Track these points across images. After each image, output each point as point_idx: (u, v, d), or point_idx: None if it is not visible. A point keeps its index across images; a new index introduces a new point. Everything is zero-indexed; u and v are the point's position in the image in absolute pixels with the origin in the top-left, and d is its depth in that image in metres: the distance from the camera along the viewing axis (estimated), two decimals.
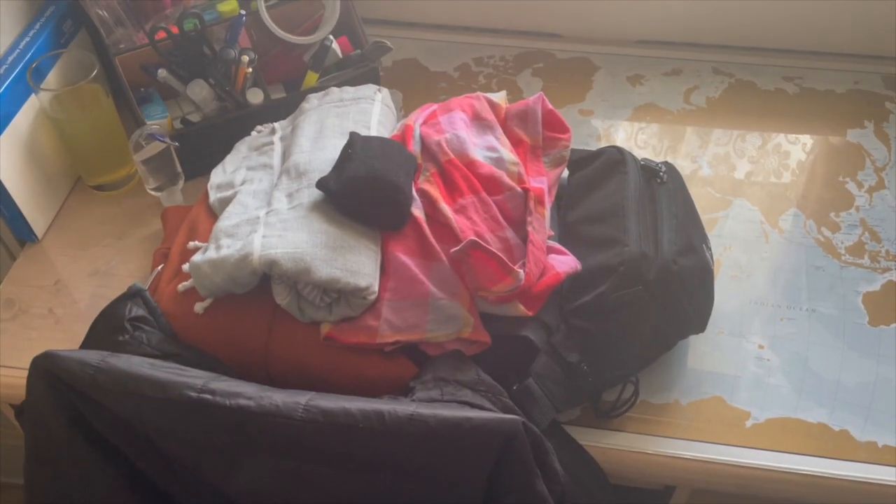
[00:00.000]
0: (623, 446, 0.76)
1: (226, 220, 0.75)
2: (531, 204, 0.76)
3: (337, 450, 0.59)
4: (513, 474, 0.59)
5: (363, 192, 0.73)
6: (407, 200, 0.75)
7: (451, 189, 0.77)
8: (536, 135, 0.87)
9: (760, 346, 0.84)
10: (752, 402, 0.79)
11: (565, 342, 0.74)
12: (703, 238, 0.82)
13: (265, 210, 0.75)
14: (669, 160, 0.96)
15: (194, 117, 0.97)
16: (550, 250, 0.78)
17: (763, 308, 0.87)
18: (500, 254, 0.70)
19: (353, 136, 0.77)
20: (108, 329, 0.71)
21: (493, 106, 0.88)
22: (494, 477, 0.60)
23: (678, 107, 1.10)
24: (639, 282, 0.74)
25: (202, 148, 0.94)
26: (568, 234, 0.83)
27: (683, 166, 1.01)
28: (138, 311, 0.72)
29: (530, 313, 0.73)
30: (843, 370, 0.82)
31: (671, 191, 0.83)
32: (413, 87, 1.14)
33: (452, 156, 0.79)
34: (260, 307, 0.73)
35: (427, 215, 0.76)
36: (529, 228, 0.75)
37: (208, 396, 0.60)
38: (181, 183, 0.95)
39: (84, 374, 0.61)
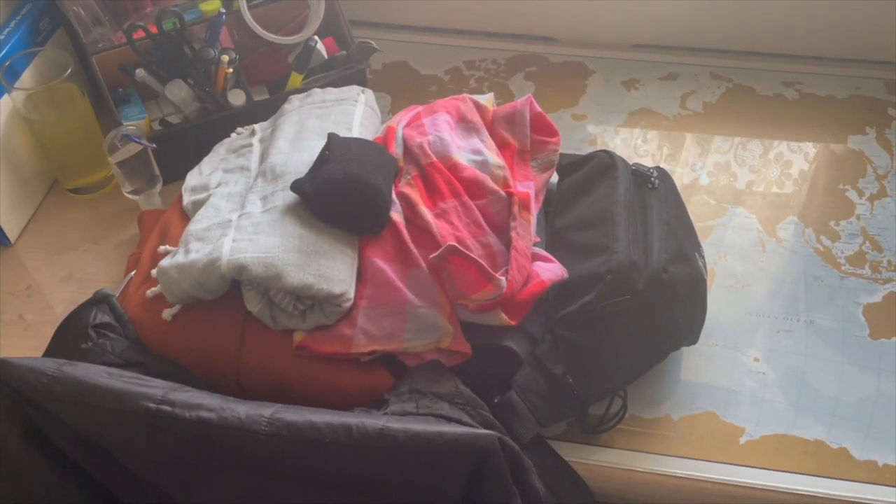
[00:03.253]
0: (610, 463, 0.73)
1: (197, 224, 0.72)
2: (515, 209, 0.73)
3: (303, 465, 0.56)
4: (488, 493, 0.56)
5: (339, 194, 0.70)
6: (385, 204, 0.72)
7: (433, 193, 0.74)
8: (524, 138, 0.84)
9: (756, 360, 0.80)
10: (746, 418, 0.76)
11: (550, 353, 0.71)
12: (696, 246, 0.78)
13: (238, 213, 0.72)
14: (664, 166, 0.93)
15: (173, 119, 0.94)
16: (536, 257, 0.74)
17: (759, 319, 0.83)
18: (480, 260, 0.67)
19: (332, 138, 0.74)
20: (71, 336, 0.68)
21: (479, 108, 0.85)
22: (469, 495, 0.56)
23: (674, 112, 1.07)
24: (627, 290, 0.71)
25: (181, 150, 0.91)
26: (556, 241, 0.80)
27: (679, 173, 0.98)
28: (103, 317, 0.69)
29: (513, 323, 0.70)
30: (843, 385, 0.78)
31: (662, 197, 0.80)
32: (402, 90, 1.11)
33: (434, 158, 0.76)
34: (231, 314, 0.70)
35: (407, 219, 0.73)
36: (513, 234, 0.72)
37: (167, 408, 0.56)
38: (159, 186, 0.92)
39: (38, 383, 0.57)
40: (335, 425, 0.55)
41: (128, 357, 0.67)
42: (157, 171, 0.91)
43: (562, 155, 0.87)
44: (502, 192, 0.74)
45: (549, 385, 0.70)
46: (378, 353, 0.69)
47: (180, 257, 0.68)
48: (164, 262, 0.69)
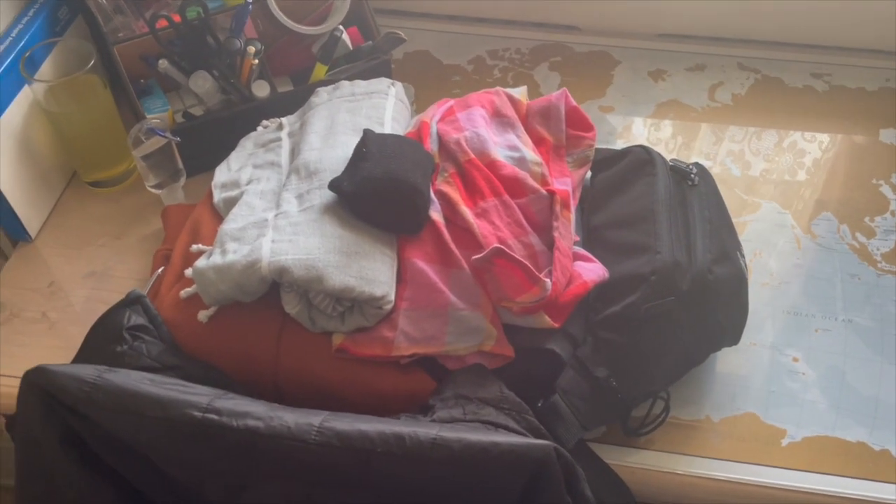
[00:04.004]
0: (652, 466, 0.72)
1: (232, 223, 0.70)
2: (557, 207, 0.72)
3: (353, 475, 0.55)
4: (543, 503, 0.55)
5: (379, 193, 0.68)
6: (425, 203, 0.70)
7: (472, 191, 0.72)
8: (560, 133, 0.82)
9: (795, 360, 0.79)
10: (787, 420, 0.75)
11: (593, 356, 0.70)
12: (737, 244, 0.77)
13: (274, 212, 0.70)
14: (696, 160, 0.91)
15: (197, 111, 0.92)
16: (577, 257, 0.73)
17: (796, 318, 0.82)
18: (525, 262, 0.65)
19: (367, 134, 0.73)
20: (105, 339, 0.67)
21: (513, 102, 0.83)
22: None
23: (703, 104, 1.06)
24: (671, 292, 0.69)
25: (205, 143, 0.89)
26: (593, 240, 0.79)
27: (711, 167, 0.96)
28: (138, 319, 0.68)
29: (556, 325, 0.68)
30: (883, 385, 0.77)
31: (703, 194, 0.78)
32: (425, 80, 1.09)
33: (472, 155, 0.74)
34: (268, 316, 0.68)
35: (446, 219, 0.71)
36: (556, 234, 0.70)
37: (214, 416, 0.55)
38: (183, 180, 0.90)
39: (80, 391, 0.56)
40: (387, 434, 0.54)
41: (164, 360, 0.66)
42: (181, 165, 0.89)
43: (596, 150, 0.86)
44: (543, 191, 0.73)
45: (592, 388, 0.68)
46: (419, 355, 0.67)
47: (217, 258, 0.66)
48: (200, 262, 0.67)
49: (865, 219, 0.92)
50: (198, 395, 0.56)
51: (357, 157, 0.71)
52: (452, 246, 0.68)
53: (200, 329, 0.68)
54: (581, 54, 1.13)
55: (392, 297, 0.67)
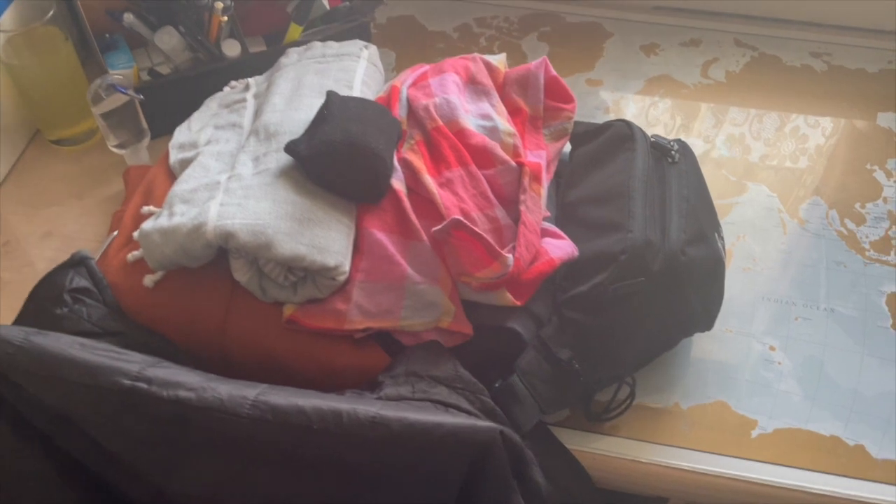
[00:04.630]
0: (614, 452, 0.69)
1: (183, 184, 0.67)
2: (526, 180, 0.68)
3: (289, 451, 0.52)
4: (487, 488, 0.52)
5: (337, 158, 0.65)
6: (386, 170, 0.67)
7: (437, 160, 0.69)
8: (537, 103, 0.78)
9: (772, 348, 0.76)
10: (759, 410, 0.72)
11: (557, 336, 0.67)
12: (716, 226, 0.74)
13: (227, 174, 0.67)
14: (682, 138, 0.88)
15: (163, 69, 0.88)
16: (545, 233, 0.70)
17: (776, 305, 0.79)
18: (486, 236, 0.62)
19: (331, 96, 0.69)
20: (45, 301, 0.64)
21: (490, 69, 0.80)
22: (466, 490, 0.52)
23: (695, 81, 1.02)
24: (642, 272, 0.66)
25: (171, 103, 0.86)
26: (566, 216, 0.75)
27: (697, 146, 0.93)
28: (81, 281, 0.65)
29: (519, 303, 0.65)
30: (862, 378, 0.74)
31: (683, 172, 0.75)
32: (408, 46, 1.05)
33: (440, 122, 0.70)
34: (217, 283, 0.65)
35: (409, 188, 0.68)
36: (522, 208, 0.67)
37: (143, 385, 0.52)
38: (146, 140, 0.86)
39: (3, 354, 0.53)
40: (324, 411, 0.51)
41: (106, 325, 0.63)
42: (145, 125, 0.85)
43: (576, 123, 0.82)
44: (512, 162, 0.69)
45: (553, 370, 0.65)
46: (373, 330, 0.64)
47: (164, 220, 0.63)
48: (147, 224, 0.64)
49: (856, 205, 0.88)
50: (129, 363, 0.54)
51: (318, 120, 0.67)
52: (413, 216, 0.65)
53: (146, 294, 0.65)
54: (572, 25, 1.09)
55: (346, 267, 0.64)
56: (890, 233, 0.85)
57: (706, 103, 0.98)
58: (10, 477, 0.56)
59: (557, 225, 0.74)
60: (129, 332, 0.63)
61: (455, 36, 1.07)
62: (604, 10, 1.10)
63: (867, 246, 0.84)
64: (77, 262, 0.66)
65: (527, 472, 0.54)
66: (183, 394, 0.52)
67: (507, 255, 0.63)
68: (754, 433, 0.70)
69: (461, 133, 0.70)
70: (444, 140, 0.69)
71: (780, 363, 0.75)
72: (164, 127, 0.87)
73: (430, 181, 0.66)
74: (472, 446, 0.50)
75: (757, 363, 0.75)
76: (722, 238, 0.74)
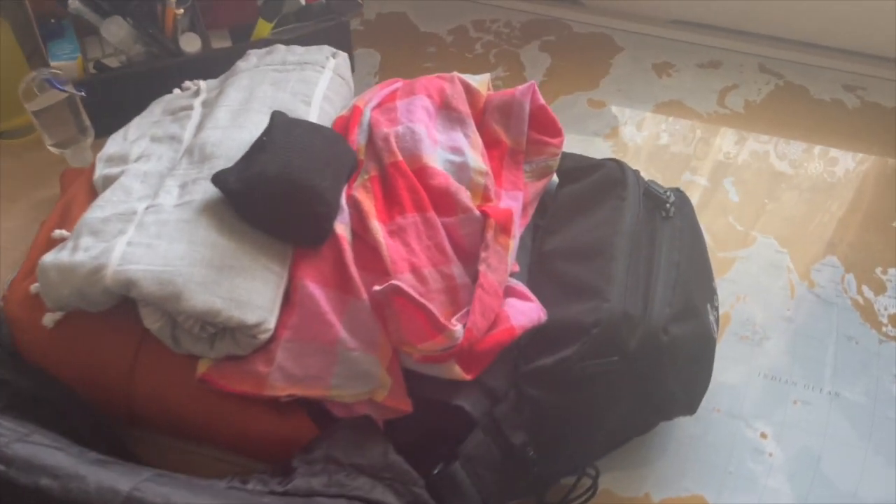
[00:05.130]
0: None
1: (97, 211, 0.58)
2: (490, 234, 0.59)
3: None
4: None
5: (271, 196, 0.56)
6: (328, 211, 0.58)
7: (391, 202, 0.60)
8: (520, 136, 0.69)
9: (763, 435, 0.67)
10: None
11: (512, 416, 0.58)
12: (710, 295, 0.64)
13: (147, 203, 0.58)
14: (688, 175, 0.78)
15: (112, 62, 0.79)
16: (511, 292, 0.61)
17: (774, 384, 0.70)
18: (430, 306, 0.53)
19: (274, 119, 0.60)
20: None
21: (469, 92, 0.70)
22: None
23: (709, 109, 0.91)
24: (616, 351, 0.57)
25: (119, 100, 0.77)
26: (541, 267, 0.66)
27: (700, 185, 0.83)
28: None
29: (468, 377, 0.56)
30: (864, 480, 0.65)
31: (677, 230, 0.65)
32: (396, 47, 0.95)
33: (400, 157, 0.61)
34: (126, 328, 0.57)
35: (354, 233, 0.59)
36: (482, 267, 0.58)
37: (2, 468, 0.44)
38: (90, 140, 0.78)
39: None
40: None
41: None
42: (88, 122, 0.77)
43: (565, 155, 0.72)
44: (476, 212, 0.60)
45: (504, 456, 0.57)
46: (297, 396, 0.56)
47: (65, 255, 0.55)
48: (47, 257, 0.55)
49: (877, 269, 0.78)
50: None
51: (255, 148, 0.58)
52: (353, 269, 0.56)
53: (46, 335, 0.57)
54: (579, 35, 0.99)
55: (270, 325, 0.55)
56: None
57: (719, 137, 0.88)
58: None
59: (530, 277, 0.65)
60: (17, 381, 0.55)
61: (449, 39, 0.97)
62: (615, 21, 1.00)
63: (885, 320, 0.74)
64: None
65: None
66: (45, 482, 0.44)
67: (454, 326, 0.54)
68: None
69: (422, 171, 0.61)
70: (401, 179, 0.60)
71: (770, 454, 0.66)
72: (112, 125, 0.78)
73: (377, 228, 0.57)
74: None
75: (744, 452, 0.66)
76: (716, 308, 0.65)
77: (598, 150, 0.86)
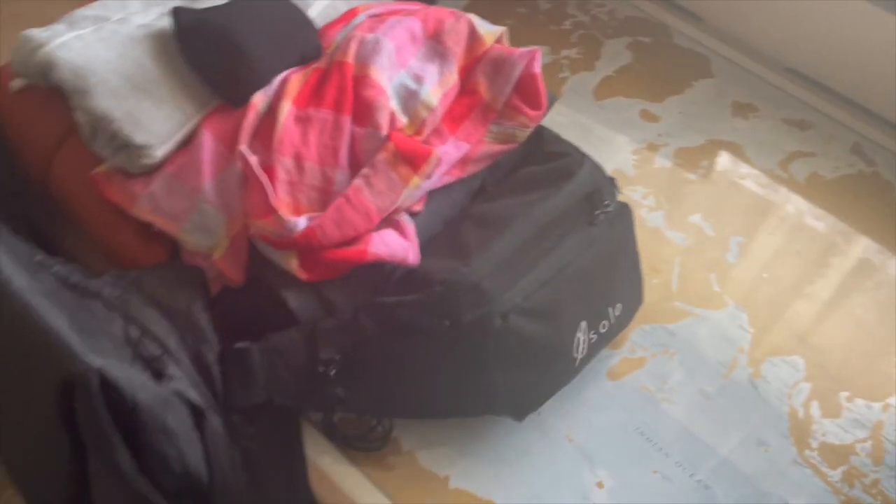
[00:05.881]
0: (342, 482, 0.60)
1: (87, 9, 0.65)
2: (382, 156, 0.58)
3: None
4: (83, 431, 0.47)
5: (205, 42, 0.59)
6: (251, 77, 0.60)
7: (317, 94, 0.61)
8: (499, 94, 0.66)
9: (599, 485, 0.61)
10: None
11: (333, 333, 0.58)
12: (591, 314, 0.59)
13: (120, 15, 0.64)
14: (696, 218, 0.72)
15: None
16: (392, 224, 0.60)
17: (644, 446, 0.63)
18: (267, 184, 0.54)
19: None
20: None
21: (473, 38, 0.68)
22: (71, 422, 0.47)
23: (766, 165, 0.82)
24: (449, 315, 0.55)
25: None
26: (453, 223, 0.64)
27: (705, 233, 0.75)
28: None
29: (304, 276, 0.57)
30: None
31: (592, 237, 0.60)
32: None
33: (350, 60, 0.62)
34: (63, 114, 0.63)
35: (270, 108, 0.61)
36: (358, 181, 0.57)
37: None
38: None
39: None
40: None
41: None
42: None
43: (549, 136, 0.69)
44: (382, 132, 0.59)
45: (306, 364, 0.57)
46: (157, 228, 0.60)
47: (37, 30, 0.62)
48: (32, 29, 0.63)
49: (843, 394, 0.67)
50: None
51: (225, 2, 0.62)
52: (245, 135, 0.58)
53: (9, 98, 0.65)
54: (676, 48, 0.92)
55: (156, 152, 0.59)
56: (861, 448, 0.64)
57: (754, 201, 0.79)
58: None
59: (445, 228, 0.64)
60: None
61: (544, 7, 0.95)
62: (723, 47, 0.92)
63: (814, 444, 0.64)
64: None
65: (144, 436, 0.48)
66: None
67: (286, 216, 0.54)
68: None
69: (362, 79, 0.61)
70: (336, 77, 0.61)
71: None
72: None
73: (285, 108, 0.59)
74: (57, 370, 0.45)
75: (570, 489, 0.60)
76: (593, 332, 0.60)
77: (619, 156, 0.81)
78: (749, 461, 0.63)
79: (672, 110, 0.86)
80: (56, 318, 0.46)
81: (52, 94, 0.64)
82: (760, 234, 0.77)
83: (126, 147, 0.60)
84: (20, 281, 0.46)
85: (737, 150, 0.83)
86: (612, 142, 0.82)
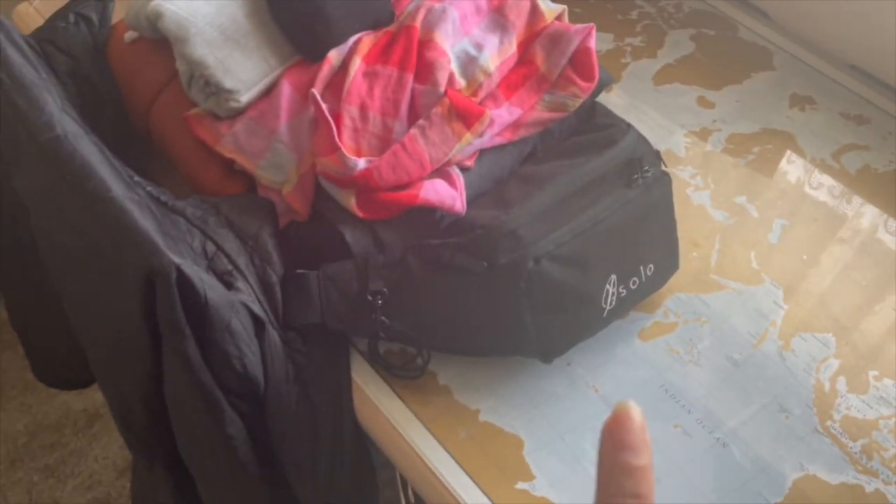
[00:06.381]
0: (385, 409, 0.65)
1: None
2: (437, 111, 0.64)
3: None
4: (161, 323, 0.54)
5: (293, 4, 0.67)
6: (328, 37, 0.67)
7: (385, 53, 0.67)
8: (555, 67, 0.71)
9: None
10: (541, 467, 0.63)
11: (383, 269, 0.64)
12: (620, 269, 0.63)
13: None
14: (741, 199, 0.75)
15: None
16: (443, 175, 0.66)
17: (668, 401, 0.66)
18: (331, 124, 0.60)
19: None
20: (58, 12, 0.76)
21: (535, 13, 0.73)
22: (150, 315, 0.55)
23: (819, 155, 0.84)
24: (486, 257, 0.60)
25: None
26: (503, 182, 0.69)
27: (749, 213, 0.78)
28: (88, 8, 0.75)
29: (360, 214, 0.63)
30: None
31: (631, 199, 0.65)
32: None
33: (417, 24, 0.68)
34: (167, 64, 0.72)
35: (343, 64, 0.68)
36: (414, 131, 0.63)
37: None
38: None
39: None
40: (97, 178, 0.56)
41: (76, 52, 0.73)
42: None
43: (602, 111, 0.74)
44: (440, 89, 0.65)
45: (358, 293, 0.63)
46: (238, 165, 0.67)
47: None
48: None
49: (872, 372, 0.69)
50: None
51: None
52: (318, 86, 0.65)
53: (123, 47, 0.74)
54: (740, 41, 0.95)
55: (242, 98, 0.66)
56: (882, 427, 0.66)
57: (807, 181, 0.81)
58: None
59: (494, 185, 0.69)
60: (96, 79, 0.72)
61: None
62: (787, 42, 0.94)
63: (837, 416, 0.66)
64: None
65: (211, 333, 0.55)
66: None
67: (348, 154, 0.61)
68: (520, 485, 0.62)
69: (427, 43, 0.67)
70: (403, 39, 0.67)
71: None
72: None
73: (355, 64, 0.66)
74: (142, 263, 0.52)
75: (592, 433, 0.65)
76: (625, 288, 0.64)
77: (672, 138, 0.84)
78: (769, 426, 0.65)
79: (729, 98, 0.89)
80: (146, 221, 0.54)
81: (157, 46, 0.73)
82: (805, 219, 0.79)
83: (216, 93, 0.68)
84: (118, 189, 0.55)
85: (790, 139, 0.85)
86: (666, 124, 0.86)
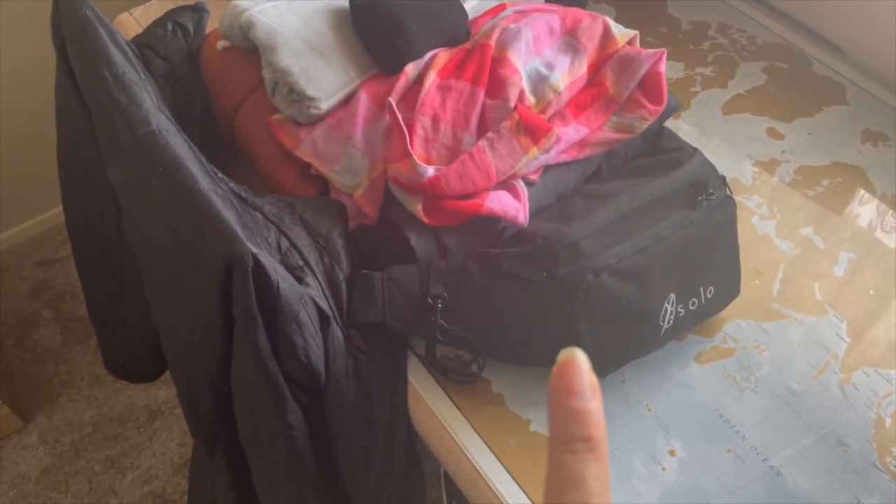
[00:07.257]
0: (436, 408, 0.67)
1: None
2: (507, 125, 0.66)
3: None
4: (235, 308, 0.58)
5: (373, 19, 0.70)
6: (406, 49, 0.70)
7: (459, 68, 0.70)
8: (624, 90, 0.73)
9: (672, 452, 0.65)
10: None
11: (444, 274, 0.66)
12: (680, 288, 0.64)
13: None
14: (807, 231, 0.75)
15: None
16: (507, 186, 0.68)
17: (720, 424, 0.66)
18: (405, 131, 0.63)
19: None
20: (158, 20, 0.81)
21: (605, 36, 0.75)
22: (226, 301, 0.58)
23: (891, 191, 0.83)
24: (546, 267, 0.62)
25: None
26: (565, 200, 0.71)
27: (815, 245, 0.77)
28: (186, 19, 0.81)
29: (426, 220, 0.66)
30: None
31: (694, 220, 0.65)
32: (632, 15, 1.01)
33: (491, 43, 0.71)
34: (254, 72, 0.77)
35: (419, 78, 0.71)
36: (482, 142, 0.66)
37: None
38: None
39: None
40: (185, 173, 0.60)
41: (172, 58, 0.78)
42: None
43: (669, 135, 0.75)
44: (510, 104, 0.67)
45: (420, 296, 0.66)
46: (314, 169, 0.71)
47: (244, 0, 0.75)
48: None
49: None
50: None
51: None
52: (394, 97, 0.68)
53: (214, 55, 0.79)
54: (813, 74, 0.94)
55: (322, 105, 0.70)
56: None
57: (874, 218, 0.80)
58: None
59: (558, 201, 0.71)
60: (188, 81, 0.77)
61: (686, 28, 1.00)
62: (861, 78, 0.93)
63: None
64: (197, 7, 0.82)
65: (280, 322, 0.58)
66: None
67: (419, 161, 0.63)
68: None
69: (500, 60, 0.70)
70: (477, 56, 0.70)
71: (664, 469, 0.64)
72: None
73: (430, 77, 0.68)
74: (222, 251, 0.55)
75: (640, 452, 0.65)
76: (684, 308, 0.64)
77: (739, 167, 0.84)
78: (826, 457, 0.64)
79: (800, 131, 0.88)
80: (228, 213, 0.58)
81: (246, 56, 0.77)
82: (873, 254, 0.77)
83: (298, 100, 0.71)
84: (205, 182, 0.58)
85: (860, 174, 0.84)
86: (734, 153, 0.86)
